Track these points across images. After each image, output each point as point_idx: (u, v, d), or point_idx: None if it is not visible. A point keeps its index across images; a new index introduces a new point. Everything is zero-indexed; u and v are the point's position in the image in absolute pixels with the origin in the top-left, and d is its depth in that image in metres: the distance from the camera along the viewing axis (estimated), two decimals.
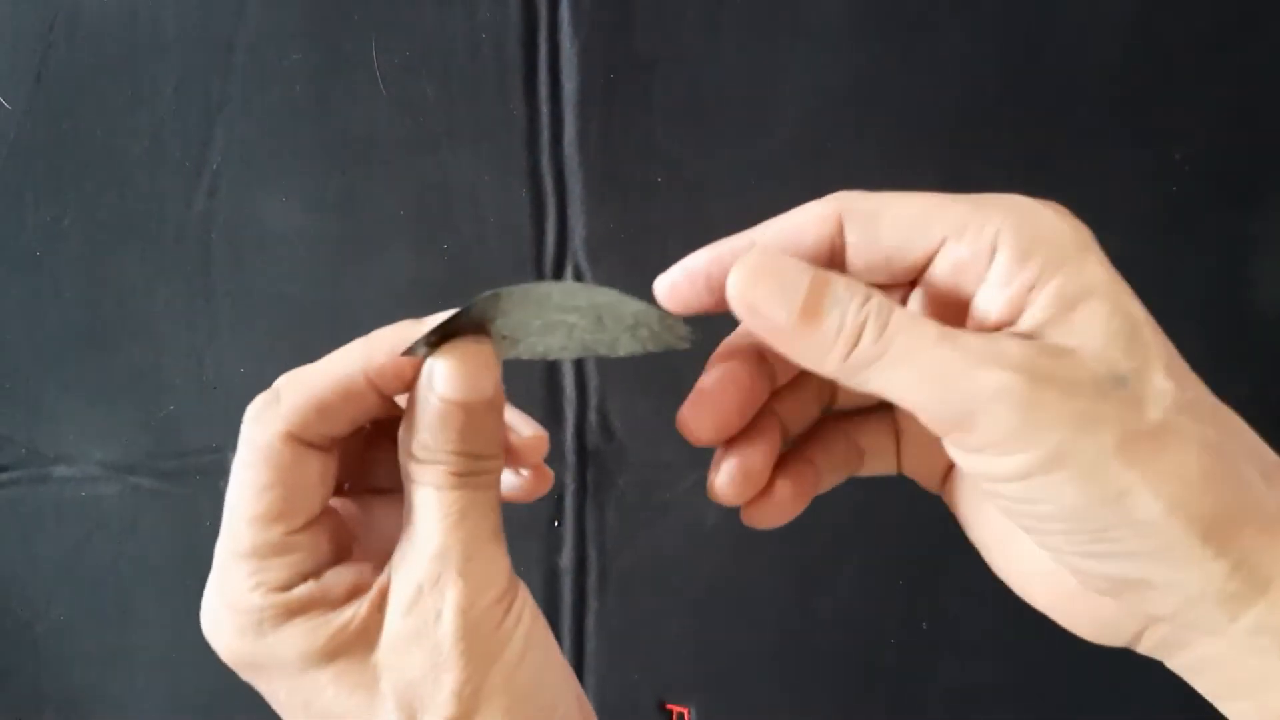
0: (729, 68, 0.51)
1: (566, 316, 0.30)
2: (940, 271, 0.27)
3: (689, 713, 0.51)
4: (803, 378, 0.32)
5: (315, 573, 0.28)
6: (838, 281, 0.26)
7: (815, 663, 0.52)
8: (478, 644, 0.27)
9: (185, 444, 0.52)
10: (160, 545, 0.53)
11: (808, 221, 0.28)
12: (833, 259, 0.28)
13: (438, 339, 0.28)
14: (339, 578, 0.28)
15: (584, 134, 0.51)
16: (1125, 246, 0.51)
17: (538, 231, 0.51)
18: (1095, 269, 0.26)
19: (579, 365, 0.51)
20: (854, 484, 0.51)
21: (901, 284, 0.29)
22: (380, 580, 0.28)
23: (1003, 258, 0.26)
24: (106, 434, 0.53)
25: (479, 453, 0.28)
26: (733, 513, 0.53)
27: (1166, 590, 0.25)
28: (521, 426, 0.32)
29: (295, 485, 0.28)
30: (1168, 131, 0.50)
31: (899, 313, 0.25)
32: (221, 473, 0.52)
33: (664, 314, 0.30)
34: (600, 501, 0.52)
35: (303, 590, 0.27)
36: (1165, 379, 0.24)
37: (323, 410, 0.28)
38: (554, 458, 0.52)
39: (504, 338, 0.29)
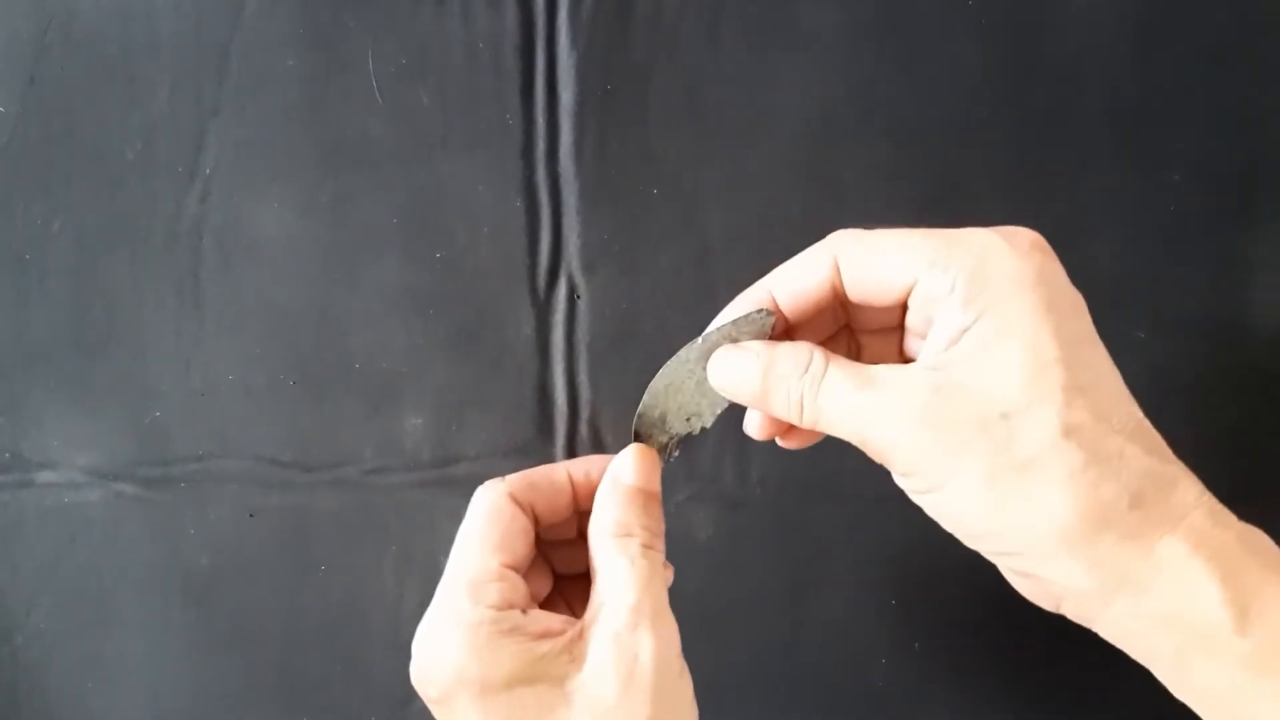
0: (726, 78, 0.51)
1: (695, 378, 0.38)
2: (916, 300, 0.33)
3: None
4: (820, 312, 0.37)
5: (522, 607, 0.35)
6: (781, 362, 0.34)
7: (805, 680, 0.51)
8: (664, 687, 0.34)
9: (171, 451, 0.52)
10: (143, 553, 0.52)
11: (809, 265, 0.35)
12: (834, 293, 0.35)
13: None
14: (537, 618, 0.35)
15: (580, 143, 0.51)
16: (1120, 263, 0.51)
17: (532, 240, 0.51)
18: (1023, 314, 0.31)
19: (570, 378, 0.51)
20: (846, 502, 0.51)
21: (896, 305, 0.34)
22: (573, 629, 0.34)
23: (953, 300, 0.31)
24: (91, 440, 0.52)
25: (655, 530, 0.37)
26: (726, 529, 0.53)
27: (1048, 582, 0.31)
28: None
29: (510, 531, 0.36)
30: (1164, 148, 0.50)
31: (829, 377, 0.33)
32: (207, 481, 0.52)
33: (737, 320, 0.36)
34: None
35: (514, 614, 0.34)
36: (1054, 414, 0.30)
37: (533, 485, 0.38)
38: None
39: (688, 419, 0.39)
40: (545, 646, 0.34)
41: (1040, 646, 0.51)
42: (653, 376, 0.38)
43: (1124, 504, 0.30)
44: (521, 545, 0.37)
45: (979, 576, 0.51)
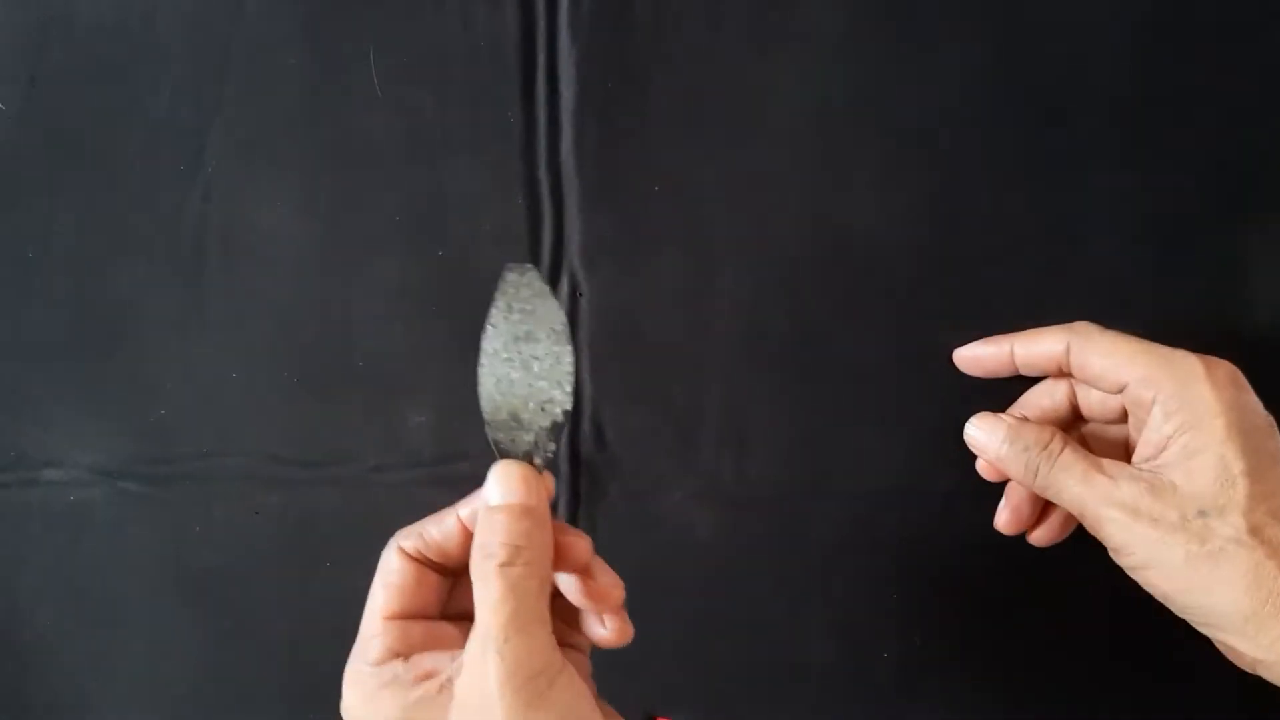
0: (727, 76, 0.51)
1: (515, 366, 0.38)
2: (1129, 401, 0.43)
3: None
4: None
5: (405, 655, 0.37)
6: (1028, 433, 0.44)
7: (806, 675, 0.52)
8: (517, 707, 0.33)
9: (174, 449, 0.52)
10: (147, 551, 0.52)
11: (1048, 342, 0.45)
12: (1060, 368, 0.45)
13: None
14: (418, 663, 0.36)
15: (581, 142, 0.51)
16: (1119, 262, 0.52)
17: (534, 239, 0.51)
18: (1218, 432, 0.39)
19: (575, 375, 0.51)
20: (845, 499, 0.51)
21: (1112, 391, 0.43)
22: (457, 661, 0.35)
23: (1158, 411, 0.41)
24: (95, 438, 0.52)
25: (516, 544, 0.36)
26: (724, 524, 0.53)
27: (1240, 653, 0.39)
28: (601, 576, 0.40)
29: (397, 584, 0.38)
30: (1164, 147, 0.50)
31: (1063, 457, 0.43)
32: (211, 478, 0.52)
33: (502, 285, 0.38)
34: (592, 512, 0.52)
35: (394, 665, 0.36)
36: (1241, 517, 0.38)
37: (421, 534, 0.39)
38: (546, 467, 0.51)
39: (542, 409, 0.39)
40: (419, 691, 0.35)
41: (1041, 642, 0.51)
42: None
43: None
44: (414, 594, 0.38)
45: (980, 573, 0.51)
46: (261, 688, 0.53)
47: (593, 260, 0.51)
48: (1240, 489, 0.38)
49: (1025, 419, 0.46)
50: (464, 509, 0.39)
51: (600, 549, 0.51)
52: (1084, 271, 0.50)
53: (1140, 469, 0.41)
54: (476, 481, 0.51)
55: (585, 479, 0.52)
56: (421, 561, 0.39)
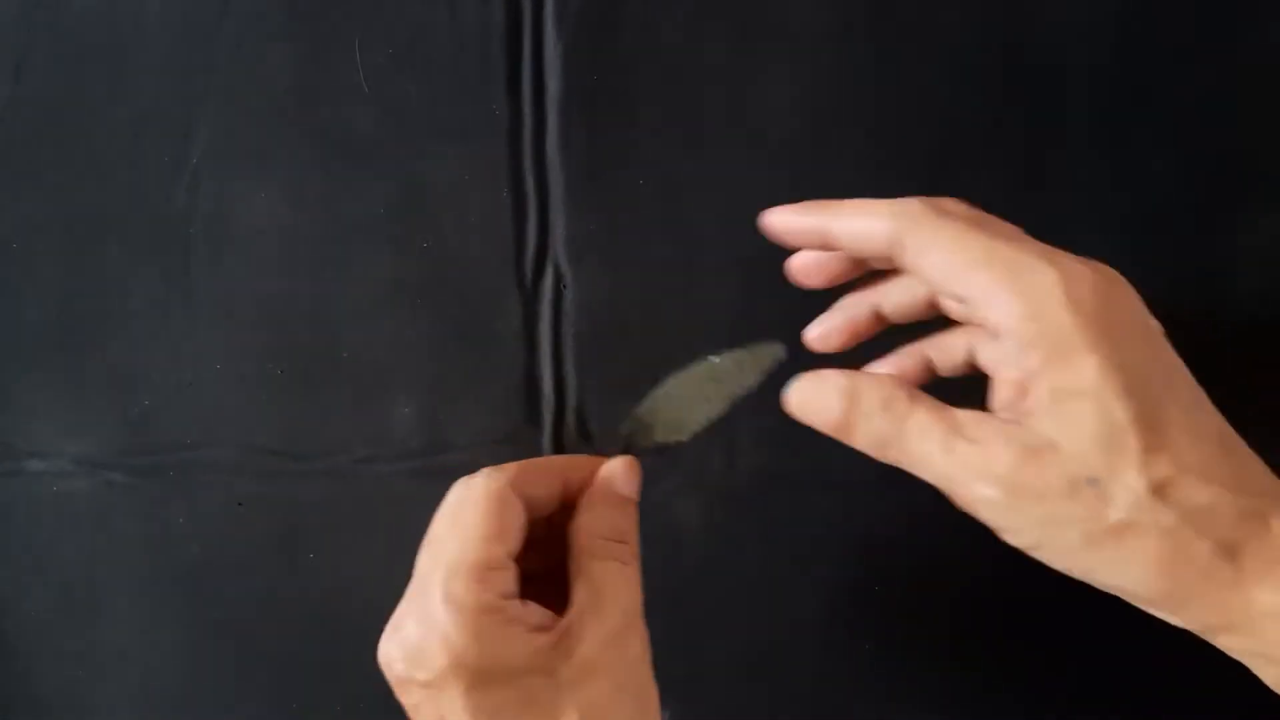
0: (713, 70, 0.51)
1: (695, 390, 0.40)
2: (972, 316, 0.33)
3: (664, 717, 0.51)
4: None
5: (521, 599, 0.35)
6: (865, 397, 0.34)
7: (791, 668, 0.52)
8: (647, 689, 0.37)
9: (160, 440, 0.52)
10: (132, 542, 0.52)
11: (871, 219, 0.34)
12: (891, 259, 0.34)
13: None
14: (534, 610, 0.35)
15: (566, 134, 0.51)
16: (1107, 256, 0.52)
17: (519, 231, 0.51)
18: (1089, 370, 0.30)
19: (558, 368, 0.51)
20: (832, 491, 0.51)
21: (951, 300, 0.34)
22: (561, 624, 0.35)
23: (1011, 342, 0.31)
24: (80, 429, 0.52)
25: (636, 538, 0.38)
26: (710, 518, 0.53)
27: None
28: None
29: (512, 522, 0.36)
30: (1151, 142, 0.50)
31: (914, 421, 0.33)
32: (196, 470, 0.52)
33: (751, 346, 0.40)
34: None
35: (516, 604, 0.34)
36: (1138, 477, 0.30)
37: (534, 475, 0.37)
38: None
39: (671, 430, 0.41)
40: (542, 639, 0.34)
41: (1026, 633, 0.51)
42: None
43: (1219, 558, 0.30)
44: (518, 538, 0.36)
45: (965, 564, 0.51)
46: (246, 677, 0.53)
47: (577, 253, 0.51)
48: (1132, 442, 0.30)
49: (859, 371, 0.36)
50: (567, 465, 0.40)
51: None
52: None
53: (1008, 424, 0.31)
54: (464, 471, 0.51)
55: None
56: (524, 504, 0.37)
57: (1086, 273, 0.31)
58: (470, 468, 0.38)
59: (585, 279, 0.51)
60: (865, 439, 0.34)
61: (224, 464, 0.52)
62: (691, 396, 0.40)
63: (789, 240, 0.37)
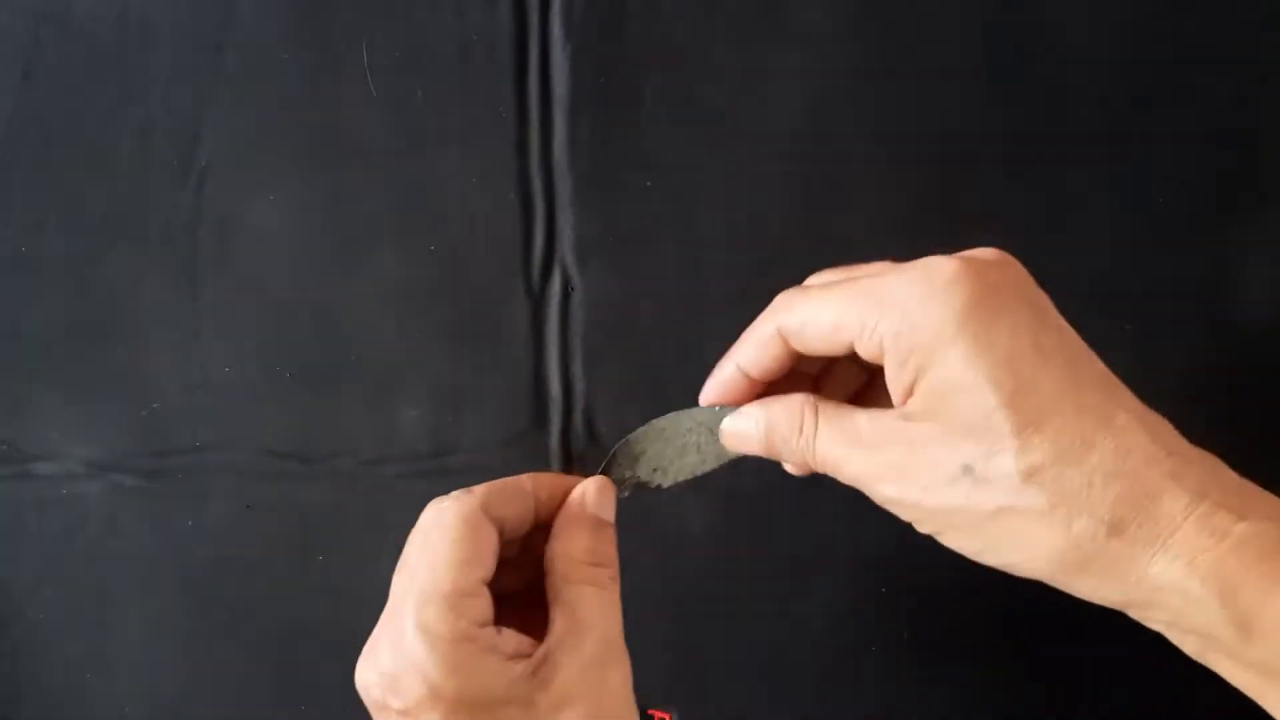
0: (719, 71, 0.51)
1: (688, 438, 0.39)
2: (865, 357, 0.34)
3: (670, 718, 0.51)
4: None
5: (497, 626, 0.34)
6: (779, 427, 0.36)
7: (797, 669, 0.52)
8: (633, 713, 0.36)
9: (168, 442, 0.52)
10: (141, 544, 0.53)
11: (763, 342, 0.36)
12: (795, 357, 0.36)
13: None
14: (510, 637, 0.34)
15: (574, 137, 0.51)
16: (1108, 256, 0.52)
17: (526, 234, 0.51)
18: (955, 362, 0.31)
19: (565, 369, 0.51)
20: (837, 492, 0.51)
21: (846, 355, 0.35)
22: (539, 651, 0.34)
23: (889, 363, 0.32)
24: (89, 431, 0.52)
25: (615, 563, 0.38)
26: (718, 520, 0.53)
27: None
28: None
29: (485, 546, 0.35)
30: (1153, 143, 0.50)
31: (821, 437, 0.35)
32: (204, 472, 0.52)
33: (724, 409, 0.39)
34: None
35: (491, 632, 0.34)
36: (1011, 460, 0.30)
37: (505, 496, 0.37)
38: (539, 461, 0.52)
39: (654, 470, 0.40)
40: (519, 668, 0.33)
41: (1030, 634, 0.51)
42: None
43: (1102, 535, 0.30)
44: (491, 562, 0.36)
45: (969, 566, 0.51)
46: (255, 679, 0.53)
47: (585, 255, 0.51)
48: (1002, 424, 0.30)
49: (775, 397, 0.37)
50: (537, 484, 0.39)
51: None
52: (1076, 269, 0.50)
53: (899, 423, 0.33)
54: (471, 473, 0.51)
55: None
56: (496, 527, 0.37)
57: (950, 268, 0.31)
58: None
59: (592, 281, 0.51)
60: (789, 460, 0.37)
61: (233, 466, 0.52)
62: (685, 442, 0.39)
63: (736, 402, 0.38)
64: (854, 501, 0.51)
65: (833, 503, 0.51)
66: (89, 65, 0.52)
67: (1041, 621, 0.51)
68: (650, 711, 0.51)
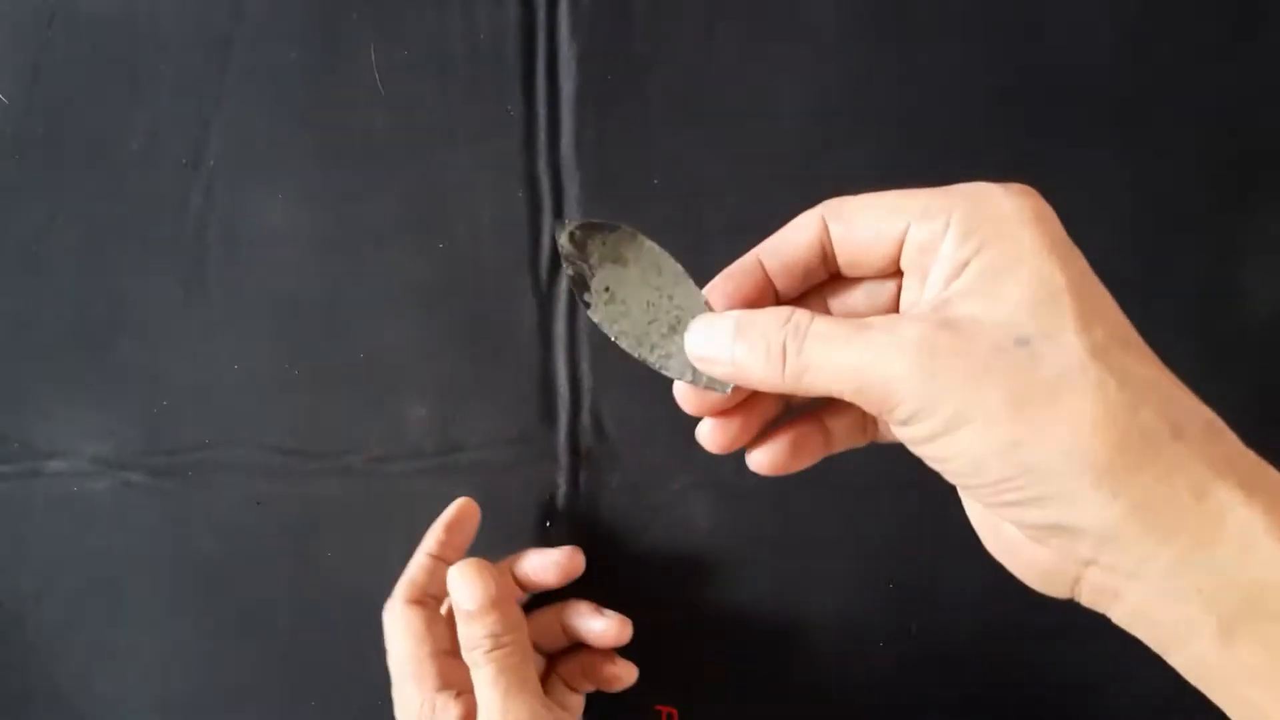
0: (726, 71, 0.51)
1: (656, 289, 0.34)
2: (909, 256, 0.30)
3: (676, 713, 0.51)
4: None
5: (448, 688, 0.46)
6: (760, 319, 0.31)
7: (805, 666, 0.52)
8: None
9: (178, 440, 0.52)
10: (151, 542, 0.53)
11: (799, 228, 0.33)
12: (825, 258, 0.32)
13: None
14: (449, 709, 0.45)
15: (581, 135, 0.51)
16: (1114, 253, 0.52)
17: (534, 231, 0.52)
18: (1027, 242, 0.28)
19: (573, 367, 0.52)
20: (843, 490, 0.51)
21: (889, 275, 0.32)
22: None
23: (950, 236, 0.29)
24: (99, 429, 0.53)
25: (495, 633, 0.44)
26: (725, 516, 0.53)
27: (1079, 534, 0.27)
28: (593, 621, 0.49)
29: (421, 627, 0.47)
30: (1159, 140, 0.50)
31: (815, 326, 0.30)
32: (214, 470, 0.52)
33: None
34: (592, 503, 0.52)
35: (443, 697, 0.45)
36: (1075, 337, 0.27)
37: (413, 583, 0.48)
38: (546, 458, 0.52)
39: (606, 290, 0.34)
40: None
41: (1036, 632, 0.51)
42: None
43: (1166, 433, 0.26)
44: (439, 634, 0.47)
45: (975, 562, 0.51)
46: (264, 676, 0.53)
47: None
48: (1067, 305, 0.27)
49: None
50: (432, 549, 0.49)
51: (600, 540, 0.52)
52: None
53: (928, 310, 0.29)
54: (478, 470, 0.51)
55: (585, 470, 0.52)
56: (422, 604, 0.48)
57: (1017, 185, 0.30)
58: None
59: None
60: (760, 360, 0.31)
61: (241, 463, 0.52)
62: (653, 287, 0.34)
63: (738, 303, 0.34)
64: (861, 499, 0.51)
65: (839, 500, 0.52)
66: (97, 64, 0.52)
67: (1049, 618, 0.51)
68: (659, 707, 0.51)
